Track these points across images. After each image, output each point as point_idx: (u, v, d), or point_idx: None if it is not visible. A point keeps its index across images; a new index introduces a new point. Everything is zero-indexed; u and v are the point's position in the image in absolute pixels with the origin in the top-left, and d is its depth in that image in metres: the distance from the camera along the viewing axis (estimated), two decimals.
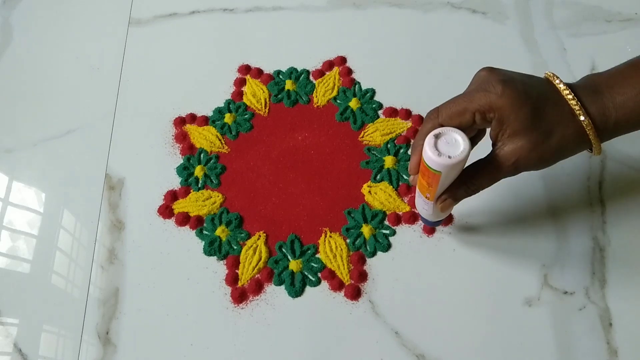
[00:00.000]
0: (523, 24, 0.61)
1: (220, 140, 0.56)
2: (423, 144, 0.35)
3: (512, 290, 0.46)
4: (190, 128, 0.56)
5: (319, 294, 0.47)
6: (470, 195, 0.38)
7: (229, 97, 0.58)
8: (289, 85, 0.58)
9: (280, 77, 0.59)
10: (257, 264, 0.48)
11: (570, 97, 0.35)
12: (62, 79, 0.62)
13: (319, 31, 0.63)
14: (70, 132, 0.57)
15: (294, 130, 0.56)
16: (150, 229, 0.51)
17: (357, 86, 0.58)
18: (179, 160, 0.55)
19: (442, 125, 0.36)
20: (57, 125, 0.58)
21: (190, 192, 0.53)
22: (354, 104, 0.56)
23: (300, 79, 0.59)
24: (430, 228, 0.49)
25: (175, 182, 0.53)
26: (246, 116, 0.57)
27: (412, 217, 0.49)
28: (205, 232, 0.50)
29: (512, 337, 0.44)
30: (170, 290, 0.48)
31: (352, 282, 0.47)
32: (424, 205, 0.41)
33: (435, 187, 0.37)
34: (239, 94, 0.59)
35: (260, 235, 0.50)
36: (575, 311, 0.45)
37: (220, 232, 0.50)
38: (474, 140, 0.39)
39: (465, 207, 0.49)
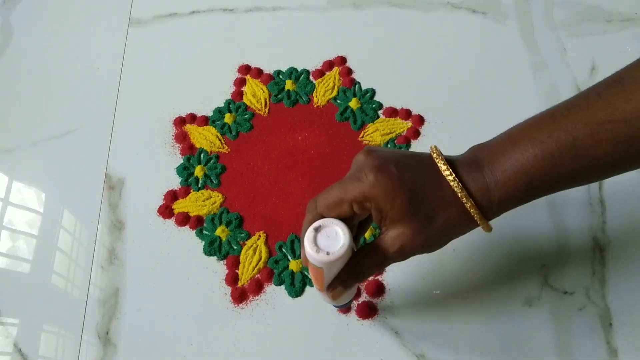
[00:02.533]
0: (523, 24, 0.61)
1: (220, 140, 0.56)
2: None
3: (512, 290, 0.46)
4: (190, 128, 0.56)
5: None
6: (360, 281, 0.37)
7: (229, 97, 0.58)
8: (289, 85, 0.58)
9: (280, 77, 0.59)
10: (257, 264, 0.48)
11: (450, 178, 0.33)
12: (62, 79, 0.62)
13: (319, 31, 0.63)
14: (70, 132, 0.57)
15: (294, 130, 0.56)
16: (150, 229, 0.51)
17: (357, 86, 0.58)
18: (179, 160, 0.55)
19: (322, 216, 0.35)
20: (57, 125, 0.58)
21: (190, 192, 0.53)
22: (354, 104, 0.56)
23: (300, 79, 0.59)
24: (345, 309, 0.47)
25: (175, 182, 0.53)
26: (246, 116, 0.57)
27: None
28: (205, 232, 0.50)
29: (512, 337, 0.44)
30: (170, 290, 0.48)
31: None
32: (322, 295, 0.39)
33: (321, 279, 0.36)
34: (239, 94, 0.59)
35: (260, 235, 0.50)
36: (575, 311, 0.45)
37: (220, 232, 0.50)
38: (367, 221, 0.38)
39: None
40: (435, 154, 0.34)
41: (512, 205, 0.34)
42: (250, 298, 0.47)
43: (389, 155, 0.34)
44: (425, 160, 0.34)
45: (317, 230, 0.34)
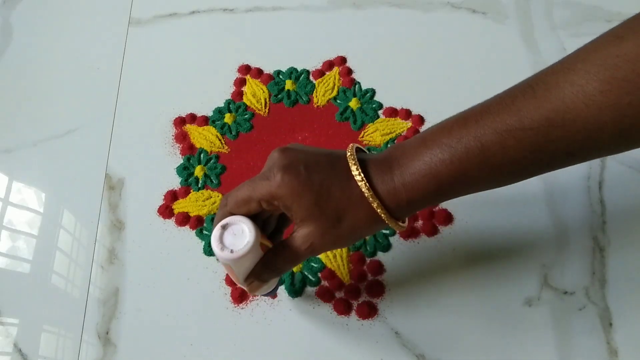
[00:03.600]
0: (523, 24, 0.61)
1: (220, 140, 0.56)
2: None
3: (512, 290, 0.46)
4: (190, 128, 0.56)
5: (318, 294, 0.47)
6: (277, 276, 0.38)
7: (229, 97, 0.58)
8: (289, 85, 0.58)
9: (280, 77, 0.59)
10: None
11: (359, 178, 0.34)
12: (62, 79, 0.62)
13: (319, 31, 0.63)
14: (70, 132, 0.57)
15: (294, 130, 0.56)
16: (150, 229, 0.51)
17: (357, 86, 0.58)
18: (179, 160, 0.55)
19: (232, 213, 0.35)
20: (57, 125, 0.58)
21: (190, 192, 0.53)
22: (354, 104, 0.56)
23: (300, 79, 0.59)
24: (272, 296, 0.47)
25: (175, 182, 0.53)
26: (246, 116, 0.57)
27: (412, 217, 0.49)
28: (205, 232, 0.50)
29: (512, 337, 0.44)
30: (170, 290, 0.48)
31: (352, 282, 0.47)
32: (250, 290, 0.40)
33: (232, 274, 0.37)
34: (239, 94, 0.59)
35: None
36: (575, 311, 0.45)
37: None
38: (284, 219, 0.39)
39: (466, 207, 0.49)
40: (349, 154, 0.35)
41: (422, 206, 0.35)
42: (250, 298, 0.47)
43: (301, 155, 0.35)
44: (339, 160, 0.35)
45: (224, 227, 0.35)
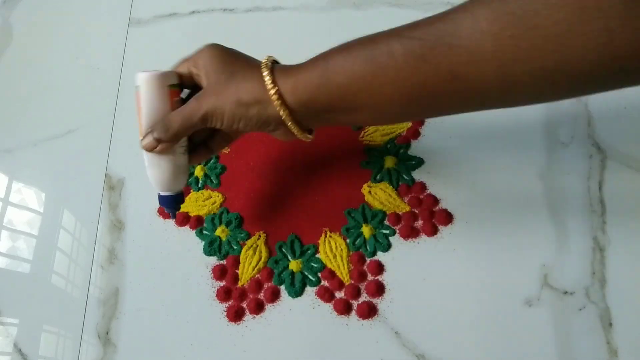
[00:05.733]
0: None
1: None
2: None
3: (512, 290, 0.46)
4: None
5: (318, 294, 0.47)
6: (167, 136, 0.40)
7: None
8: None
9: None
10: (257, 264, 0.48)
11: (264, 59, 0.39)
12: (62, 79, 0.62)
13: (319, 31, 0.63)
14: (70, 132, 0.57)
15: None
16: (150, 229, 0.51)
17: None
18: None
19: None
20: (57, 125, 0.58)
21: (190, 192, 0.53)
22: None
23: None
24: (178, 219, 0.50)
25: None
26: None
27: (412, 217, 0.49)
28: (205, 232, 0.50)
29: (512, 337, 0.44)
30: (171, 290, 0.48)
31: (352, 282, 0.47)
32: (149, 169, 0.43)
33: (139, 114, 0.41)
34: None
35: (260, 235, 0.50)
36: (575, 311, 0.45)
37: (220, 232, 0.50)
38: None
39: (466, 207, 0.49)
40: (267, 59, 0.40)
41: (306, 94, 0.37)
42: (250, 297, 0.47)
43: (230, 49, 0.42)
44: (256, 60, 0.40)
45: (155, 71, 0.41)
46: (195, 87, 0.42)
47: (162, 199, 0.43)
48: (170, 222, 0.51)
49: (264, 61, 0.39)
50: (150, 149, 0.41)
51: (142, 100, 0.40)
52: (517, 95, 0.33)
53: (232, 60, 0.40)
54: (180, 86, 0.42)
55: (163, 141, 0.40)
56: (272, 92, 0.37)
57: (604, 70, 0.30)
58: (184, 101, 0.41)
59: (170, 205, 0.44)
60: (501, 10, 0.30)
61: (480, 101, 0.34)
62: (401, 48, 0.33)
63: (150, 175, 0.43)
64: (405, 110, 0.36)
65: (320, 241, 0.49)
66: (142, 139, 0.41)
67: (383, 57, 0.34)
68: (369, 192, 0.51)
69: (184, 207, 0.52)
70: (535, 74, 0.31)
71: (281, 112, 0.37)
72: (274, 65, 0.39)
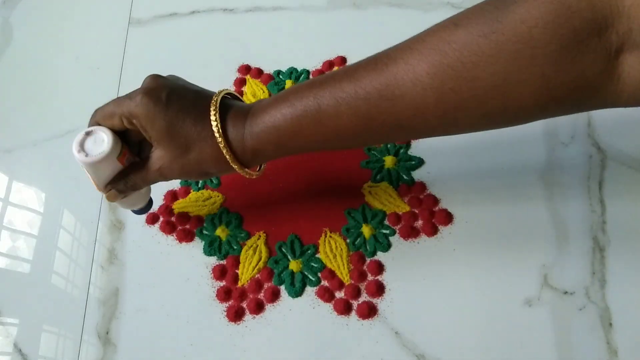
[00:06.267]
0: None
1: None
2: None
3: (512, 290, 0.46)
4: None
5: (318, 294, 0.47)
6: (130, 190, 0.41)
7: None
8: (289, 85, 0.58)
9: (280, 77, 0.59)
10: (257, 264, 0.48)
11: (213, 119, 0.37)
12: (62, 79, 0.62)
13: (319, 31, 0.63)
14: (70, 132, 0.57)
15: None
16: (150, 229, 0.51)
17: None
18: None
19: (99, 124, 0.39)
20: (57, 125, 0.58)
21: (190, 192, 0.53)
22: None
23: (300, 78, 0.59)
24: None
25: (175, 182, 0.53)
26: None
27: (412, 217, 0.49)
28: (205, 232, 0.50)
29: (512, 337, 0.44)
30: (170, 290, 0.48)
31: (352, 282, 0.47)
32: (117, 203, 0.43)
33: (91, 178, 0.40)
34: (239, 94, 0.58)
35: (260, 235, 0.50)
36: (575, 311, 0.45)
37: (220, 232, 0.50)
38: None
39: (466, 207, 0.49)
40: (215, 98, 0.38)
41: (266, 156, 0.39)
42: (250, 297, 0.47)
43: (168, 84, 0.38)
44: (203, 100, 0.38)
45: (87, 134, 0.38)
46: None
47: (134, 212, 0.47)
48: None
49: (214, 124, 0.37)
50: (116, 200, 0.42)
51: (91, 176, 0.40)
52: (460, 130, 0.36)
53: (180, 123, 0.37)
54: (123, 142, 0.40)
55: (126, 191, 0.41)
56: (234, 164, 0.38)
57: (541, 108, 0.32)
58: (130, 146, 0.41)
59: (143, 211, 0.47)
60: (441, 65, 0.31)
61: (425, 135, 0.37)
62: (347, 109, 0.34)
63: (119, 205, 0.44)
64: (360, 146, 0.41)
65: (320, 241, 0.49)
66: (104, 194, 0.41)
67: (332, 120, 0.35)
68: (369, 192, 0.51)
69: (184, 207, 0.52)
70: (477, 118, 0.33)
71: (239, 170, 0.39)
72: (224, 122, 0.38)
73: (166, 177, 0.40)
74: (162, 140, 0.37)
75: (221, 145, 0.37)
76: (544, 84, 0.30)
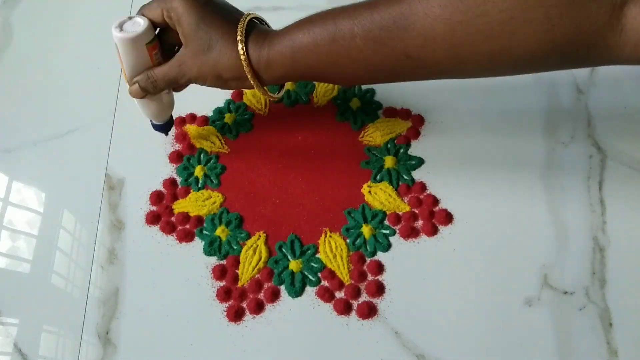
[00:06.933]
0: None
1: (220, 140, 0.56)
2: None
3: (512, 290, 0.46)
4: (190, 128, 0.56)
5: (318, 294, 0.47)
6: (151, 87, 0.45)
7: (229, 97, 0.58)
8: (288, 85, 0.58)
9: None
10: (257, 264, 0.48)
11: (240, 27, 0.41)
12: (62, 79, 0.62)
13: None
14: (70, 132, 0.57)
15: (294, 130, 0.56)
16: (150, 228, 0.51)
17: (357, 86, 0.58)
18: (179, 160, 0.55)
19: (144, 15, 0.43)
20: (57, 125, 0.58)
21: (190, 192, 0.53)
22: (354, 104, 0.56)
23: None
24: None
25: (177, 180, 0.53)
26: (246, 116, 0.57)
27: (412, 217, 0.49)
28: (205, 232, 0.50)
29: (512, 337, 0.44)
30: (170, 290, 0.48)
31: (352, 282, 0.47)
32: (139, 107, 0.49)
33: (122, 65, 0.45)
34: (239, 94, 0.58)
35: (260, 235, 0.50)
36: (575, 311, 0.45)
37: (220, 232, 0.50)
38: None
39: (466, 207, 0.49)
40: (246, 15, 0.42)
41: (279, 70, 0.42)
42: (251, 297, 0.47)
43: None
44: (237, 14, 0.43)
45: (130, 18, 0.43)
46: (168, 27, 0.44)
47: (155, 126, 0.52)
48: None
49: (239, 31, 0.41)
50: (137, 97, 0.45)
51: (122, 58, 0.44)
52: (465, 71, 0.37)
53: (210, 23, 0.41)
54: (157, 37, 0.44)
55: (149, 93, 0.45)
56: (248, 71, 0.41)
57: (544, 54, 0.33)
58: (163, 48, 0.45)
59: (163, 129, 0.52)
60: None
61: (432, 75, 0.39)
62: (362, 32, 0.37)
63: (142, 111, 0.49)
64: (367, 79, 0.43)
65: (320, 241, 0.49)
66: (129, 87, 0.45)
67: (346, 40, 0.38)
68: (369, 192, 0.51)
69: (184, 207, 0.52)
70: (482, 56, 0.34)
71: (256, 86, 0.42)
72: (248, 35, 0.41)
73: (184, 75, 0.43)
74: (189, 35, 0.41)
75: (239, 47, 0.40)
76: (548, 27, 0.31)
